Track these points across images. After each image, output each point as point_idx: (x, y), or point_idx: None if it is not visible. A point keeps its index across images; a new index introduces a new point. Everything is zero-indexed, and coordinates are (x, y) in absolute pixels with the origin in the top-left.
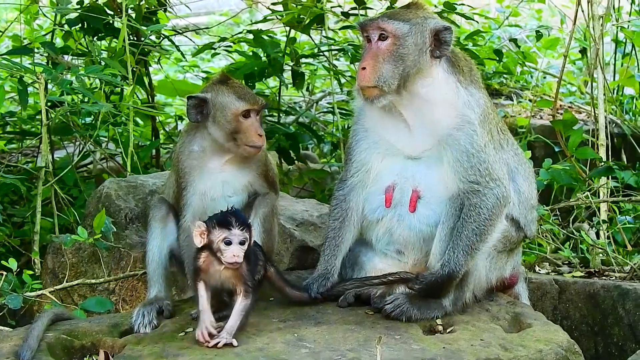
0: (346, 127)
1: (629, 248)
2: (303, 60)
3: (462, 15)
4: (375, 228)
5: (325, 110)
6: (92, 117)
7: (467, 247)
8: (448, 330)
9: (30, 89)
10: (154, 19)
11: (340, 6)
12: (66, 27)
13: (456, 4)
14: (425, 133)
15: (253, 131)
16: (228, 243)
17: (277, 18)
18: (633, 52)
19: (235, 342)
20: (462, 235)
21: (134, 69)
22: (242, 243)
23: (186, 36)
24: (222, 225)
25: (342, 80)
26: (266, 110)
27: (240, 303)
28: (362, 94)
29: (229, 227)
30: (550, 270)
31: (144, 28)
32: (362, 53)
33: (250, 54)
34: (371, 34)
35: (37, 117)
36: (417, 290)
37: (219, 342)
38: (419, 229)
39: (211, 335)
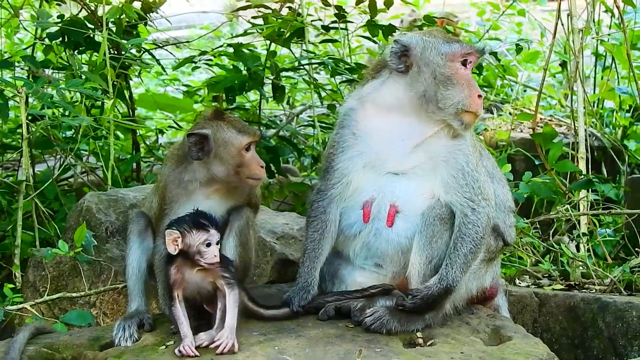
0: (327, 140)
1: (609, 261)
2: (283, 73)
3: (444, 29)
4: (353, 242)
5: (305, 123)
6: (73, 130)
7: (464, 263)
8: (428, 343)
9: (10, 102)
10: (135, 32)
11: (320, 20)
12: (47, 40)
13: (436, 17)
14: (421, 149)
15: (255, 164)
16: (208, 245)
17: (258, 32)
18: (613, 65)
19: (236, 347)
20: (460, 251)
21: (115, 82)
22: (218, 243)
23: (167, 50)
24: (201, 228)
25: (323, 94)
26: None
27: (230, 297)
28: (466, 119)
29: (207, 228)
30: (530, 283)
31: (125, 42)
32: (462, 77)
33: (231, 67)
34: (476, 62)
35: (18, 130)
36: (410, 305)
37: (225, 346)
38: (397, 242)
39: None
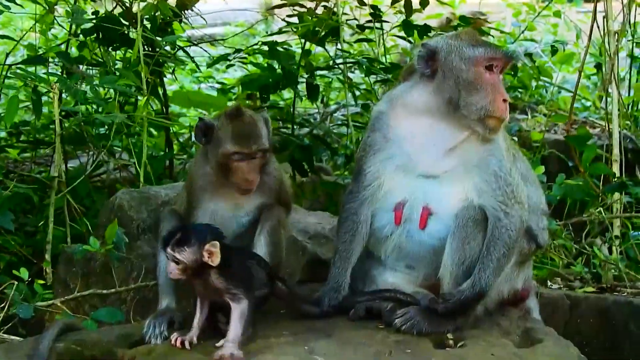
0: (360, 139)
1: None
2: (318, 72)
3: (479, 30)
4: (384, 244)
5: (339, 122)
6: (106, 127)
7: (497, 268)
8: (459, 345)
9: (44, 98)
10: (169, 29)
11: (356, 19)
12: (81, 37)
13: (472, 19)
14: (454, 154)
15: (240, 174)
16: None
17: (293, 30)
18: None
19: (241, 355)
20: (493, 256)
21: (149, 79)
22: (176, 262)
23: (201, 47)
24: (164, 243)
25: (357, 93)
26: (280, 122)
27: (235, 310)
28: (491, 124)
29: (165, 245)
30: (562, 286)
31: (159, 39)
32: (487, 82)
33: (265, 65)
34: (504, 66)
35: (51, 126)
36: (442, 309)
37: (224, 354)
38: (429, 244)
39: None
